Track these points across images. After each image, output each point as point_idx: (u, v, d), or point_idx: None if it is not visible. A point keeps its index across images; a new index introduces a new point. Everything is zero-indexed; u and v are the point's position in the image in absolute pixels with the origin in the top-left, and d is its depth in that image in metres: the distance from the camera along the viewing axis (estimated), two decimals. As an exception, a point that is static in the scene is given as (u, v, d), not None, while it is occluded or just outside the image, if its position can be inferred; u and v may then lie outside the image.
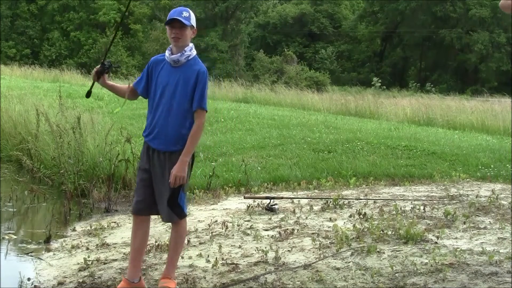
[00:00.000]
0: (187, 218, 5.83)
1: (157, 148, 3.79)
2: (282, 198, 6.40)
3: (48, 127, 8.19)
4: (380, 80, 26.51)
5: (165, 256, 4.64)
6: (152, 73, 3.86)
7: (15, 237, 5.79)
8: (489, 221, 5.37)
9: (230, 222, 5.58)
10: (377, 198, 6.55)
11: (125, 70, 39.86)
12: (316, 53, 53.77)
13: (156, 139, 3.78)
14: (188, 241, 5.02)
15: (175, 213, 3.79)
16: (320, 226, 5.42)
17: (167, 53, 3.82)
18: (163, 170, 3.75)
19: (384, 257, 4.39)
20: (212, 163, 8.26)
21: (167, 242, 4.92)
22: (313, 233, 5.13)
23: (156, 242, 4.96)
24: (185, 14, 3.77)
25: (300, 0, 57.98)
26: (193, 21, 3.82)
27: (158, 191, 3.79)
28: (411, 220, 5.27)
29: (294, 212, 5.99)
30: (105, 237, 5.42)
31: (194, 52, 3.81)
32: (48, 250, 5.23)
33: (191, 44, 3.82)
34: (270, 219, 5.76)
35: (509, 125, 14.42)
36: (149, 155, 3.82)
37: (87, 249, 5.08)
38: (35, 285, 4.31)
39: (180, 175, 3.68)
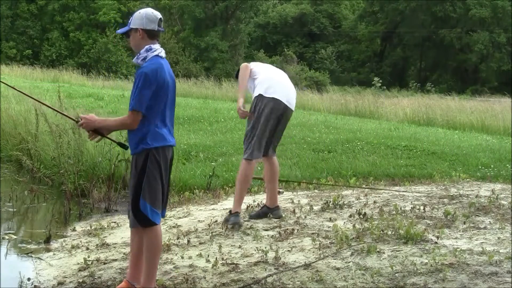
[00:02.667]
0: (187, 219, 5.88)
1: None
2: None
3: (47, 127, 8.19)
4: (380, 80, 26.42)
5: (166, 256, 4.65)
6: None
7: (15, 237, 5.80)
8: (489, 221, 5.36)
9: (230, 222, 5.57)
10: (377, 191, 6.54)
11: (125, 70, 39.91)
12: (316, 53, 53.70)
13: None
14: (188, 241, 5.02)
15: (137, 219, 3.74)
16: (320, 226, 5.41)
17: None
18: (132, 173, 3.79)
19: (384, 257, 4.38)
20: (212, 163, 8.25)
21: (167, 242, 4.93)
22: (313, 233, 5.13)
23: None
24: (127, 21, 3.81)
25: (300, 0, 57.96)
26: (135, 23, 3.73)
27: None
28: (411, 220, 5.26)
29: (294, 212, 5.98)
30: (105, 237, 5.42)
31: (151, 54, 3.72)
32: (48, 250, 5.24)
33: (147, 46, 3.73)
34: (270, 219, 5.76)
35: (509, 125, 14.41)
36: None
37: (87, 249, 5.08)
38: (35, 285, 4.32)
39: (85, 120, 3.71)
